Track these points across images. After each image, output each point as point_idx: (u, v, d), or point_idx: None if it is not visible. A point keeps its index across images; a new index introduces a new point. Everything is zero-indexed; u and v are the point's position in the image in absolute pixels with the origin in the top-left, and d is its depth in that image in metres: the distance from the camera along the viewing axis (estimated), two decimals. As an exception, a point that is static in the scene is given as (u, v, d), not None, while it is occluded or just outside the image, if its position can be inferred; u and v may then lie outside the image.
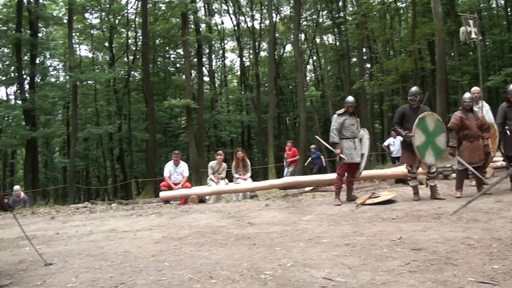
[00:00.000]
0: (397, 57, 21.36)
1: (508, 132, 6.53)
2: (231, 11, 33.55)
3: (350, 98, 7.40)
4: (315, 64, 37.23)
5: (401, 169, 8.87)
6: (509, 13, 26.74)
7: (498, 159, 8.26)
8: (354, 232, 4.84)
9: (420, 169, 6.96)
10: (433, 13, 16.35)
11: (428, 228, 4.67)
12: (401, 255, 3.79)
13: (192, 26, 25.98)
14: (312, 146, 17.45)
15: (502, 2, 27.27)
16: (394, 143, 13.31)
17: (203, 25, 28.07)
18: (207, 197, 9.41)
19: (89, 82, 29.66)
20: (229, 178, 10.51)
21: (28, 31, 24.77)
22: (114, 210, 8.44)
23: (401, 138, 7.00)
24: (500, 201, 5.90)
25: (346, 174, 7.27)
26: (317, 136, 8.86)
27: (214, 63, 35.91)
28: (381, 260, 3.67)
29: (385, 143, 14.51)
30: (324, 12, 29.74)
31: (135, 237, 5.48)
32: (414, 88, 7.06)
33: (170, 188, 9.57)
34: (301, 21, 28.21)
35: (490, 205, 5.73)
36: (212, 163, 10.08)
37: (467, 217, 5.09)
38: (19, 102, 27.06)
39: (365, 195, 7.07)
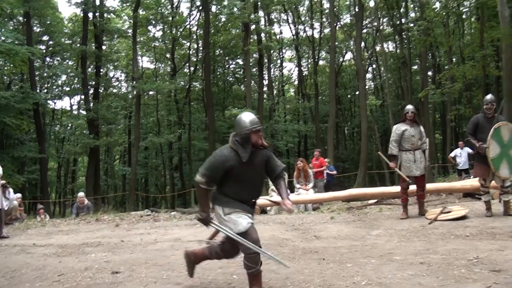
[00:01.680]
0: (463, 64, 20.45)
1: None
2: (290, 20, 33.68)
3: (409, 106, 7.19)
4: (374, 72, 36.49)
5: (470, 183, 8.51)
6: None
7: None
8: (427, 250, 4.68)
9: (493, 183, 6.59)
10: (500, 17, 15.53)
11: (505, 247, 4.46)
12: (480, 277, 3.64)
13: (254, 36, 26.31)
14: (326, 159, 14.35)
15: None
16: (461, 155, 12.78)
17: (263, 35, 28.32)
18: (268, 208, 9.39)
19: (150, 92, 30.74)
20: (291, 188, 10.46)
21: (93, 44, 26.15)
22: (178, 219, 8.63)
23: (469, 150, 6.67)
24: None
25: (414, 186, 7.01)
26: (379, 152, 8.62)
27: (272, 73, 36.18)
28: (460, 281, 3.54)
29: (452, 154, 13.95)
30: (385, 19, 29.13)
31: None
32: (489, 96, 6.72)
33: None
34: (362, 29, 27.75)
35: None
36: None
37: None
38: (83, 112, 28.64)
39: (436, 210, 6.80)
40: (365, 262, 4.30)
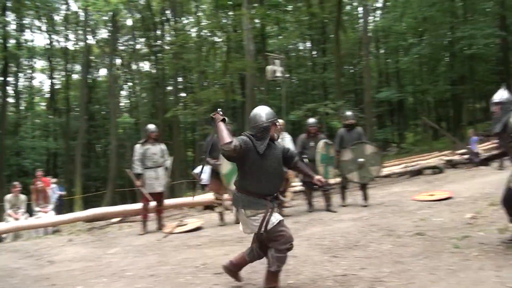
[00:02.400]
0: (210, 88, 22.34)
1: (305, 160, 7.33)
2: (44, 28, 30.62)
3: (151, 126, 7.48)
4: (130, 90, 36.41)
5: (209, 196, 9.09)
6: (313, 55, 30.69)
7: (297, 184, 9.14)
8: (159, 262, 4.76)
9: (226, 195, 7.21)
10: (246, 50, 17.65)
11: (231, 251, 4.84)
12: (204, 280, 3.85)
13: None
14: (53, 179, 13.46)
15: (308, 45, 31.14)
16: (205, 171, 13.67)
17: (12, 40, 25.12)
18: (3, 235, 8.21)
19: None
20: (30, 212, 9.50)
21: None
22: None
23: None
24: (298, 222, 6.47)
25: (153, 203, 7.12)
26: (128, 170, 8.50)
27: (20, 83, 32.17)
28: (185, 287, 3.62)
29: (195, 171, 14.79)
30: (142, 39, 29.53)
31: None
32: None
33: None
34: (118, 46, 27.41)
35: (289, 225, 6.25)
36: (8, 197, 9.29)
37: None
38: None
39: (173, 223, 7.02)
40: (96, 282, 4.19)
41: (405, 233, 5.19)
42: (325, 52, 27.97)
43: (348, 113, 8.19)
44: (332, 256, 4.51)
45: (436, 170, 11.61)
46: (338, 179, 8.26)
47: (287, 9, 24.35)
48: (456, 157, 12.87)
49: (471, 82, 24.96)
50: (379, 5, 30.45)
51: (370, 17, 28.49)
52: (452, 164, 12.40)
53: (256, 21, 20.85)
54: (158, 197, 7.17)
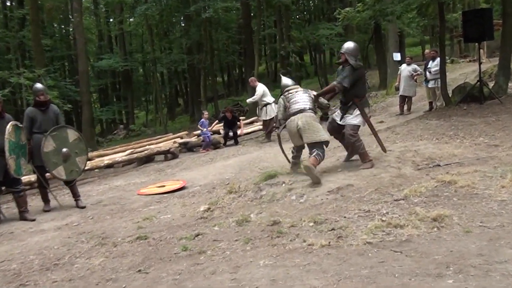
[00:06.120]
0: None
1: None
2: None
3: None
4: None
5: None
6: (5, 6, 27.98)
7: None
8: None
9: None
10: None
11: None
12: None
13: None
14: None
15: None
16: None
17: None
18: None
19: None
20: None
21: None
22: None
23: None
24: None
25: None
26: None
27: None
28: None
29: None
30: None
31: None
32: None
33: None
34: None
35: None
36: None
37: None
38: None
39: None
40: None
41: (124, 239, 5.09)
42: (23, 3, 25.84)
43: (38, 85, 7.64)
44: (20, 285, 4.09)
45: (170, 155, 11.95)
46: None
47: None
48: (192, 139, 13.54)
49: (210, 52, 26.92)
50: None
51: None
52: (188, 148, 12.99)
53: None
54: None
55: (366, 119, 6.50)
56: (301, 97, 6.44)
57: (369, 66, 30.72)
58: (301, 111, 6.26)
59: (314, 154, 5.96)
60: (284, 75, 7.77)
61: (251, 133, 14.77)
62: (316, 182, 5.73)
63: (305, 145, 6.27)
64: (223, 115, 13.18)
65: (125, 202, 7.29)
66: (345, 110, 6.51)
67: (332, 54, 37.95)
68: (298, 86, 6.93)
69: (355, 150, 6.52)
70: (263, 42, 33.84)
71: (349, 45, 6.44)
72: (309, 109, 6.34)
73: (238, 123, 13.29)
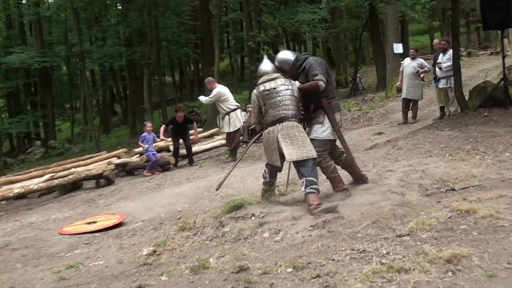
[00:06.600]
0: None
1: None
2: None
3: None
4: None
5: None
6: None
7: None
8: None
9: None
10: None
11: None
12: None
13: None
14: None
15: None
16: None
17: None
18: None
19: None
20: None
21: None
22: None
23: None
24: None
25: None
26: None
27: None
28: None
29: None
30: None
31: None
32: None
33: None
34: None
35: None
36: None
37: None
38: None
39: None
40: None
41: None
42: None
43: None
44: None
45: (103, 181, 11.86)
46: None
47: None
48: (133, 159, 13.45)
49: (156, 43, 26.91)
50: None
51: None
52: (127, 170, 12.91)
53: None
54: None
55: (336, 128, 6.48)
56: (282, 98, 6.32)
57: (364, 61, 31.13)
58: (281, 120, 6.20)
59: (307, 189, 5.88)
60: (270, 58, 7.34)
61: (211, 150, 14.80)
62: (334, 207, 5.75)
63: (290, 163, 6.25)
64: (172, 117, 13.12)
65: (42, 245, 7.20)
66: (311, 118, 6.60)
67: (315, 46, 38.27)
68: (279, 74, 6.66)
69: (323, 172, 6.48)
70: (225, 30, 34.02)
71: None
72: (292, 116, 6.26)
73: (191, 125, 13.28)
